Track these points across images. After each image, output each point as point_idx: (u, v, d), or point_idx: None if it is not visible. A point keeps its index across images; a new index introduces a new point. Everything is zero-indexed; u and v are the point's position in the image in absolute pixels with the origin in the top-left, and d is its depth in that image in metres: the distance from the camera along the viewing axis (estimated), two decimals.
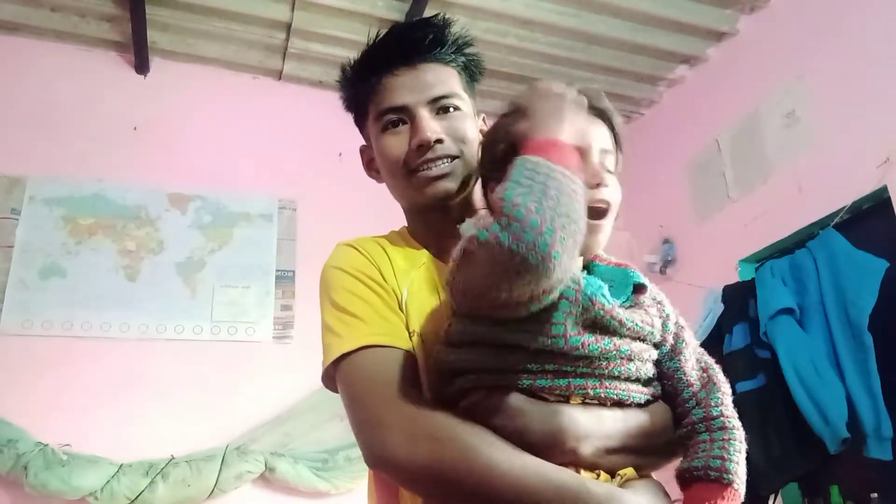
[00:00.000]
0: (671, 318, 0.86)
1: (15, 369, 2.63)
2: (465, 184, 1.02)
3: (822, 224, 2.59)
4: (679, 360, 0.85)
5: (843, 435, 2.24)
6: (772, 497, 2.52)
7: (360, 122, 1.11)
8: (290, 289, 3.08)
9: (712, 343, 2.68)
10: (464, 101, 1.06)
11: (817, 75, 2.73)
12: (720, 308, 2.75)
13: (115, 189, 3.01)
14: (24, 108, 2.99)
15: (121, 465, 2.54)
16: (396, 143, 1.02)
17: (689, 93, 3.52)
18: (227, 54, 3.24)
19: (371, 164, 1.11)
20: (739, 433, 0.83)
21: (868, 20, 2.55)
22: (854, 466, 2.38)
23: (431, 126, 1.00)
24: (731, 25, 3.16)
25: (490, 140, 0.93)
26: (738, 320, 2.64)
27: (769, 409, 2.47)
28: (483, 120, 1.14)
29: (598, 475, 0.78)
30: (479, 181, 1.01)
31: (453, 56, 1.07)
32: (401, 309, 0.95)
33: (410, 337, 0.92)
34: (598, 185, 0.82)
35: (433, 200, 1.02)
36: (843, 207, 2.49)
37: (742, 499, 0.81)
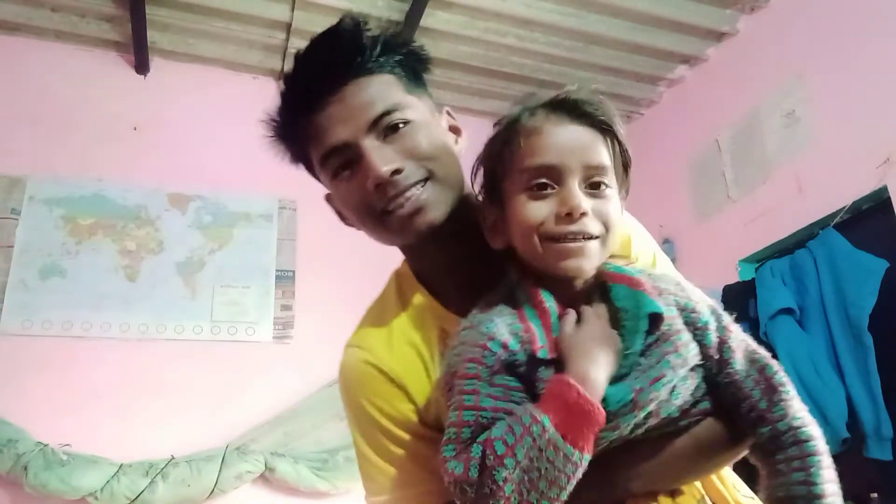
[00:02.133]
0: (710, 326, 0.77)
1: (15, 369, 2.63)
2: (447, 205, 0.85)
3: (822, 224, 2.59)
4: (728, 372, 0.76)
5: (843, 435, 2.24)
6: None
7: (313, 172, 0.94)
8: (290, 289, 3.08)
9: None
10: (413, 109, 0.87)
11: (817, 75, 2.73)
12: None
13: (115, 189, 3.01)
14: (24, 108, 2.99)
15: (121, 465, 2.54)
16: (351, 190, 0.86)
17: (689, 93, 3.52)
18: (227, 54, 3.24)
19: (342, 215, 0.95)
20: (818, 443, 0.74)
21: (868, 20, 2.55)
22: (854, 466, 2.38)
23: (383, 156, 0.83)
24: (731, 25, 3.16)
25: (481, 164, 0.83)
26: (738, 320, 2.62)
27: None
28: (448, 114, 0.98)
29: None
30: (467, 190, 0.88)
31: (382, 60, 0.88)
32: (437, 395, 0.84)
33: None
34: (569, 215, 0.73)
35: (416, 239, 0.86)
36: (843, 207, 2.49)
37: None
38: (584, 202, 0.74)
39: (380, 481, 0.88)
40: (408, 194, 0.84)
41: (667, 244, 3.41)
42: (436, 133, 0.89)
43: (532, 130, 0.77)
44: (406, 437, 0.85)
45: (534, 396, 0.71)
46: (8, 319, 2.70)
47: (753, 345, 0.80)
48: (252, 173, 3.20)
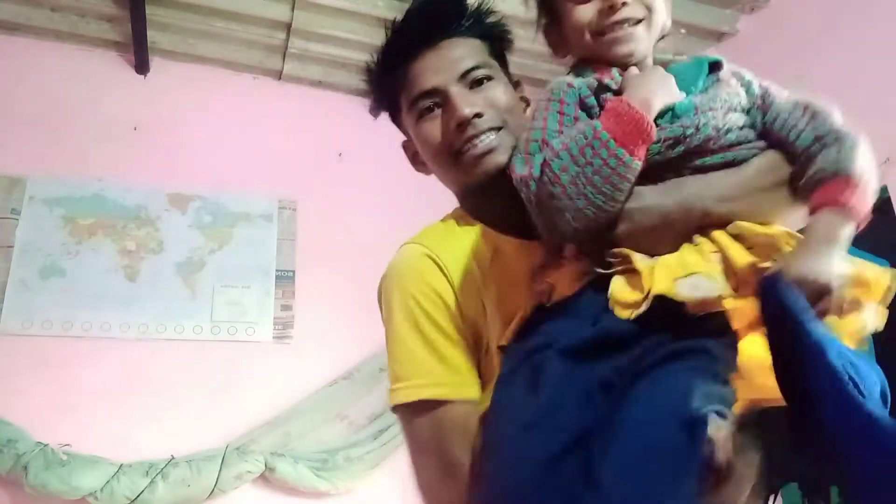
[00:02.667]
0: (753, 82, 0.88)
1: (15, 369, 2.63)
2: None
3: None
4: (774, 111, 0.85)
5: None
6: (772, 497, 2.52)
7: (397, 118, 1.07)
8: (290, 289, 3.08)
9: None
10: (496, 70, 1.02)
11: (817, 75, 2.72)
12: None
13: (115, 189, 3.01)
14: (24, 108, 2.99)
15: (121, 465, 2.54)
16: (434, 128, 0.98)
17: None
18: (227, 54, 3.24)
19: (416, 158, 1.06)
20: (854, 136, 0.84)
21: (868, 20, 2.55)
22: None
23: (467, 101, 0.96)
24: (731, 25, 3.16)
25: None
26: None
27: (769, 408, 2.47)
28: (521, 86, 1.09)
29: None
30: None
31: (475, 28, 1.03)
32: (483, 312, 0.91)
33: (488, 354, 0.90)
34: (611, 9, 0.83)
35: (485, 179, 0.96)
36: None
37: (868, 188, 0.81)
38: None
39: (409, 366, 0.91)
40: (483, 137, 0.95)
41: None
42: (511, 94, 1.02)
43: None
44: (445, 324, 0.90)
45: None
46: (8, 319, 2.70)
47: (797, 95, 0.87)
48: (252, 173, 3.21)
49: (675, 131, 0.79)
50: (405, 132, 1.07)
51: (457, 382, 0.89)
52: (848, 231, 0.78)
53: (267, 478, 2.73)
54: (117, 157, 3.04)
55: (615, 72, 0.85)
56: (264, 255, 3.12)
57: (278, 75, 3.39)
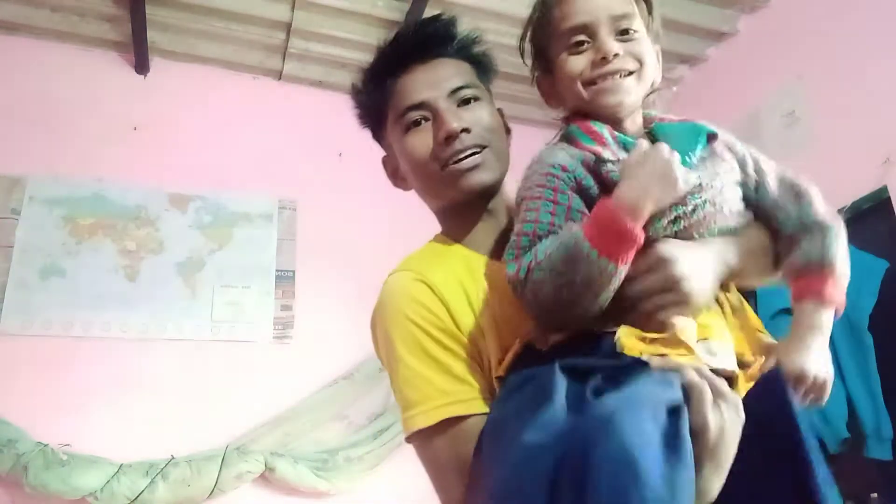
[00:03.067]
0: (746, 156, 0.91)
1: (15, 369, 2.63)
2: (497, 173, 1.00)
3: None
4: (765, 188, 0.90)
5: (843, 435, 2.24)
6: None
7: (379, 132, 1.08)
8: (290, 289, 3.08)
9: None
10: (483, 92, 1.04)
11: (817, 75, 2.73)
12: None
13: (115, 189, 3.01)
14: (24, 108, 2.99)
15: (121, 465, 2.54)
16: (421, 141, 0.99)
17: (689, 93, 3.52)
18: (227, 54, 3.24)
19: (396, 173, 1.07)
20: (836, 226, 0.89)
21: (867, 20, 2.55)
22: (854, 466, 2.38)
23: (456, 116, 0.98)
24: (731, 25, 3.16)
25: (527, 42, 0.98)
26: None
27: None
28: (501, 113, 1.10)
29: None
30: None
31: (465, 52, 1.06)
32: (481, 331, 0.91)
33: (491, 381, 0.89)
34: (603, 60, 0.86)
35: (468, 194, 0.98)
36: (843, 207, 2.49)
37: (845, 278, 0.87)
38: (615, 46, 0.86)
39: (424, 390, 0.89)
40: (469, 152, 0.98)
41: None
42: (496, 117, 1.05)
43: (560, 0, 0.89)
44: (448, 342, 0.90)
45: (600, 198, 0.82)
46: (8, 319, 2.70)
47: (782, 167, 0.93)
48: (252, 173, 3.21)
49: (677, 209, 0.82)
50: (386, 147, 1.08)
51: (472, 397, 0.88)
52: (830, 319, 0.90)
53: (267, 478, 2.73)
54: (117, 157, 3.04)
55: (605, 132, 0.86)
56: (264, 255, 3.12)
57: (278, 75, 3.39)
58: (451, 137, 0.96)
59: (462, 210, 1.01)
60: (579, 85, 0.87)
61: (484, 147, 0.99)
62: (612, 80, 0.86)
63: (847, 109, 2.58)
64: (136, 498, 2.49)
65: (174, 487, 2.55)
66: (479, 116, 1.00)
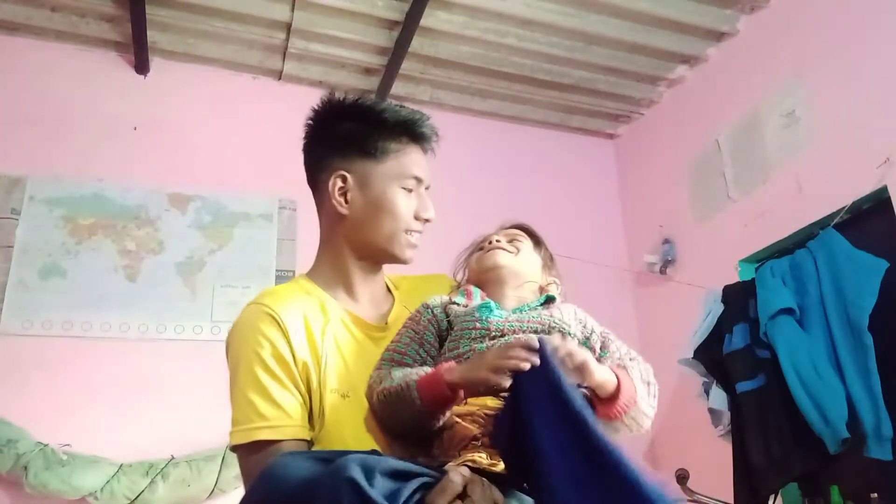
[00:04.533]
0: (595, 329, 1.07)
1: (15, 369, 2.63)
2: None
3: (822, 224, 2.59)
4: (607, 352, 1.05)
5: (843, 435, 2.24)
6: (772, 497, 2.52)
7: (349, 153, 1.18)
8: None
9: (712, 343, 2.68)
10: None
11: (817, 75, 2.73)
12: (720, 308, 2.74)
13: (115, 189, 3.01)
14: (24, 108, 2.99)
15: (121, 465, 2.54)
16: (408, 204, 1.18)
17: (689, 93, 3.52)
18: (227, 54, 3.24)
19: (344, 193, 1.17)
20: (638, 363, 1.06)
21: (868, 20, 2.55)
22: (854, 466, 2.38)
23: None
24: (731, 25, 3.16)
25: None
26: (738, 320, 2.64)
27: (769, 409, 2.47)
28: None
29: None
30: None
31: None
32: (320, 372, 1.05)
33: (321, 396, 1.04)
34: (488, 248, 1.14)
35: (400, 261, 1.19)
36: (843, 207, 2.49)
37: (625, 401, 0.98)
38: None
39: (246, 411, 1.02)
40: (418, 235, 1.20)
41: (667, 244, 3.42)
42: None
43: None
44: (280, 372, 1.03)
45: (448, 333, 1.04)
46: (8, 319, 2.70)
47: (636, 356, 1.07)
48: (252, 173, 3.21)
49: (480, 324, 1.02)
50: (346, 169, 1.17)
51: (286, 424, 1.01)
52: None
53: None
54: (117, 157, 3.04)
55: (476, 291, 1.09)
56: (264, 255, 3.12)
57: (278, 75, 3.39)
58: (428, 220, 1.21)
59: (363, 262, 1.20)
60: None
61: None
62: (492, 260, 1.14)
63: (847, 109, 2.58)
64: (136, 498, 2.49)
65: (174, 487, 2.55)
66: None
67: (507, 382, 0.85)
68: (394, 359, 1.03)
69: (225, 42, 3.18)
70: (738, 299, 2.71)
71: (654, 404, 1.03)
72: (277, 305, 1.09)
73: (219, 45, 3.19)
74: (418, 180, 1.19)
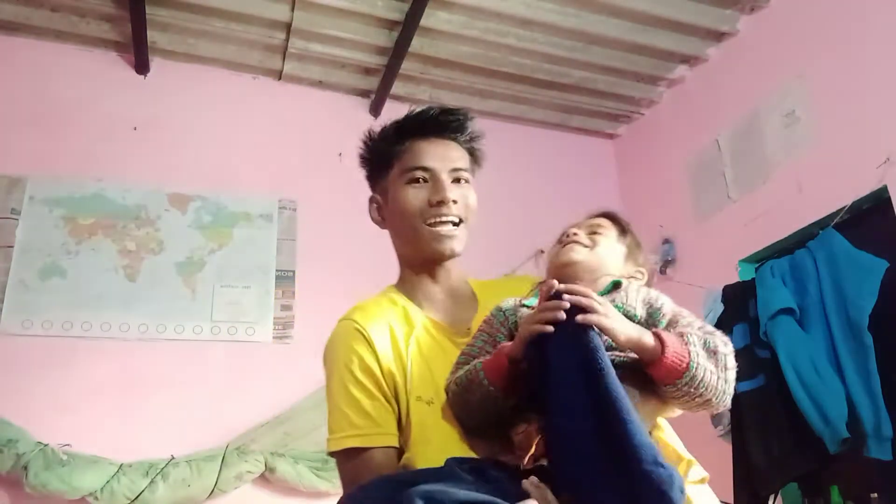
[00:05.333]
0: (664, 307, 1.02)
1: (15, 369, 2.63)
2: (463, 246, 1.20)
3: (822, 224, 2.59)
4: (678, 326, 1.00)
5: (843, 435, 2.24)
6: (772, 497, 2.52)
7: (377, 175, 1.25)
8: (290, 289, 3.08)
9: None
10: (471, 179, 1.24)
11: (817, 75, 2.73)
12: (720, 308, 2.75)
13: (115, 189, 3.01)
14: (24, 108, 2.99)
15: (121, 465, 2.54)
16: (418, 196, 1.18)
17: (689, 93, 3.52)
18: (227, 54, 3.24)
19: (380, 211, 1.25)
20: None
21: (868, 20, 2.55)
22: (854, 466, 2.38)
23: (450, 188, 1.18)
24: (731, 25, 3.16)
25: None
26: (738, 320, 2.64)
27: (769, 409, 2.47)
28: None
29: None
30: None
31: (468, 143, 1.26)
32: (405, 380, 1.10)
33: (408, 404, 1.09)
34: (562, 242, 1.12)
35: (437, 254, 1.18)
36: (843, 207, 2.49)
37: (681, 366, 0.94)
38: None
39: (339, 421, 1.09)
40: (449, 221, 1.17)
41: (667, 244, 3.42)
42: (475, 201, 1.23)
43: None
44: (368, 384, 1.10)
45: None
46: (8, 319, 2.70)
47: (710, 329, 1.01)
48: (252, 173, 3.21)
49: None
50: (378, 190, 1.26)
51: (375, 433, 1.07)
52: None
53: (267, 478, 2.73)
54: (117, 157, 3.04)
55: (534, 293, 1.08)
56: (264, 255, 3.12)
57: (278, 75, 3.39)
58: (442, 203, 1.16)
59: (422, 267, 1.22)
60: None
61: (461, 222, 1.19)
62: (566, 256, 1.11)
63: (847, 109, 2.58)
64: (136, 498, 2.49)
65: (174, 487, 2.55)
66: (465, 195, 1.20)
67: (547, 329, 0.88)
68: (467, 362, 1.04)
69: (225, 42, 3.18)
70: (738, 299, 2.71)
71: (726, 377, 0.95)
72: (365, 321, 1.15)
73: (219, 45, 3.19)
74: (425, 169, 1.19)
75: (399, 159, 1.21)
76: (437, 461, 1.00)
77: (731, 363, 0.97)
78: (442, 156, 1.20)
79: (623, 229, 1.18)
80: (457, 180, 1.20)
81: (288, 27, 3.07)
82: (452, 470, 0.89)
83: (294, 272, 3.11)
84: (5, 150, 2.91)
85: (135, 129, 3.11)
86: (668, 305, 1.03)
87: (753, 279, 2.74)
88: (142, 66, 3.18)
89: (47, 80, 3.06)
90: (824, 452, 2.31)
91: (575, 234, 1.11)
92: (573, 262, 1.09)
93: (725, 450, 2.63)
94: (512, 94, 3.59)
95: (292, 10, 2.97)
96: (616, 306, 0.97)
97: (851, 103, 2.56)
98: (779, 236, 2.79)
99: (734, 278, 2.89)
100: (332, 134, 3.26)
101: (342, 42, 3.14)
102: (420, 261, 1.21)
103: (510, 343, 0.96)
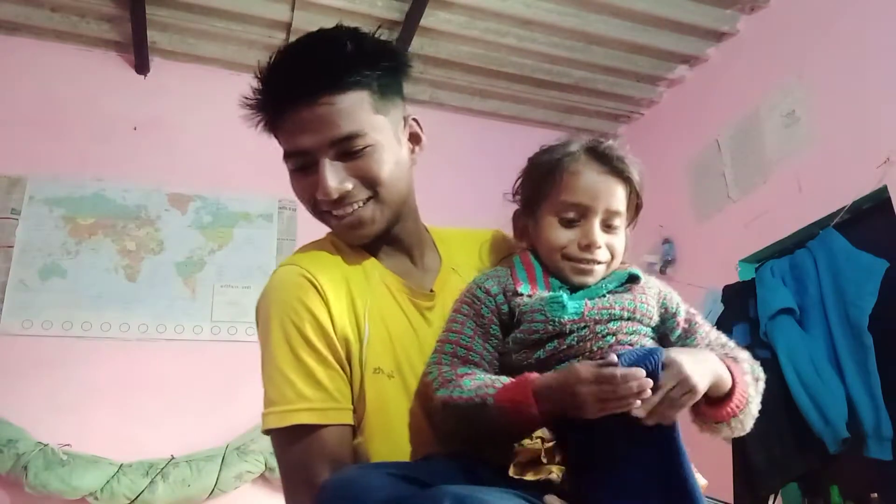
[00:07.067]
0: (680, 306, 0.98)
1: (15, 369, 2.63)
2: (382, 223, 0.98)
3: (822, 224, 2.59)
4: (695, 338, 0.98)
5: (843, 435, 2.24)
6: (772, 497, 2.52)
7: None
8: None
9: None
10: (377, 131, 0.94)
11: (817, 75, 2.73)
12: (720, 308, 2.75)
13: (115, 189, 3.01)
14: (24, 108, 2.99)
15: (121, 465, 2.54)
16: (305, 188, 0.97)
17: (689, 93, 3.52)
18: (227, 54, 3.24)
19: None
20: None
21: (867, 20, 2.55)
22: (854, 466, 2.38)
23: (334, 175, 0.92)
24: (731, 25, 3.16)
25: (522, 181, 1.03)
26: (738, 320, 2.64)
27: (769, 409, 2.46)
28: (414, 122, 1.04)
29: None
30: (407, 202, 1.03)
31: (359, 76, 0.92)
32: (360, 347, 0.92)
33: (362, 377, 0.92)
34: (587, 248, 0.93)
35: (350, 244, 1.00)
36: (843, 207, 2.49)
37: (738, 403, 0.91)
38: (601, 237, 0.94)
39: (283, 390, 0.89)
40: (349, 209, 0.95)
41: (667, 244, 3.42)
42: (390, 156, 0.96)
43: (573, 173, 0.95)
44: (320, 346, 0.90)
45: (511, 326, 0.92)
46: (8, 319, 2.70)
47: (729, 344, 1.00)
48: (252, 173, 3.21)
49: (551, 327, 0.89)
50: None
51: (329, 408, 0.89)
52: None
53: (267, 478, 2.73)
54: (117, 157, 3.04)
55: (539, 272, 0.95)
56: (264, 255, 3.12)
57: None
58: (326, 201, 0.95)
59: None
60: (558, 255, 0.95)
61: (370, 198, 0.96)
62: (589, 265, 0.94)
63: (847, 109, 2.57)
64: (136, 498, 2.49)
65: (174, 487, 2.55)
66: (365, 169, 0.94)
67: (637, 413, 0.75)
68: (458, 353, 0.90)
69: (225, 42, 3.18)
70: (738, 299, 2.71)
71: (759, 403, 0.93)
72: (316, 270, 0.95)
73: (219, 45, 3.19)
74: (299, 154, 0.94)
75: (278, 136, 1.00)
76: (399, 446, 0.90)
77: (763, 389, 0.96)
78: (317, 127, 0.92)
79: (639, 203, 1.03)
80: (350, 153, 0.94)
81: (288, 27, 3.07)
82: (471, 471, 0.82)
83: None
84: (5, 150, 2.91)
85: (135, 129, 3.11)
86: (682, 309, 0.98)
87: (753, 279, 2.74)
88: (142, 66, 3.17)
89: (47, 80, 3.06)
90: (824, 452, 2.31)
91: (599, 247, 0.94)
92: (588, 284, 0.96)
93: (725, 450, 2.63)
94: (512, 94, 3.59)
95: (292, 10, 2.97)
96: (639, 306, 0.92)
97: (851, 103, 2.56)
98: (779, 236, 2.79)
99: (734, 278, 2.89)
100: None
101: None
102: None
103: (540, 382, 0.81)
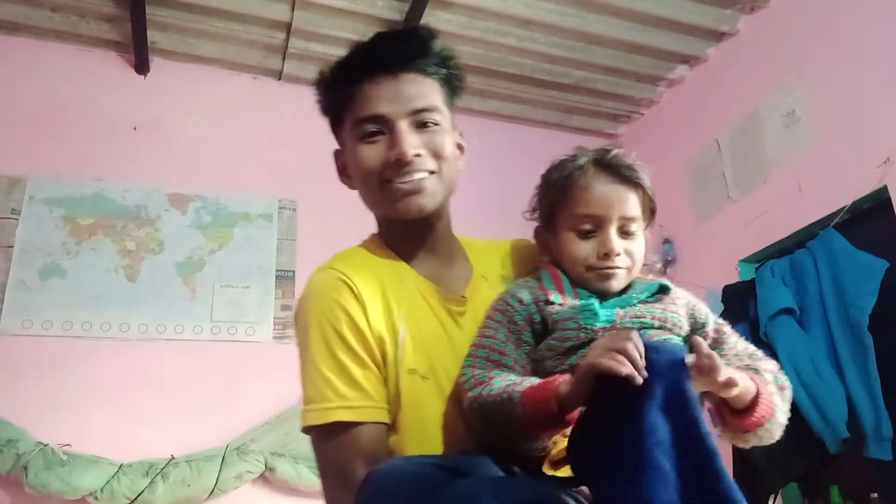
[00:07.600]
0: (709, 317, 1.00)
1: (15, 369, 2.63)
2: (439, 200, 1.02)
3: (822, 224, 2.59)
4: (723, 349, 0.98)
5: (843, 435, 2.24)
6: (772, 497, 2.52)
7: (336, 127, 1.09)
8: (290, 289, 3.08)
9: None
10: (443, 116, 1.03)
11: (817, 75, 2.73)
12: (720, 308, 2.75)
13: (115, 189, 3.01)
14: (24, 108, 2.99)
15: (121, 465, 2.54)
16: (372, 154, 0.99)
17: (689, 93, 3.52)
18: (227, 54, 3.24)
19: (345, 170, 1.09)
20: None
21: (867, 20, 2.55)
22: (854, 466, 2.38)
23: (410, 140, 0.98)
24: (731, 25, 3.16)
25: (538, 197, 1.06)
26: (738, 320, 2.64)
27: None
28: (460, 135, 1.10)
29: None
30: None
31: (436, 68, 1.03)
32: (395, 348, 0.95)
33: (397, 377, 0.94)
34: (606, 256, 0.96)
35: (404, 216, 1.01)
36: (843, 207, 2.49)
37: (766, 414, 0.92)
38: (618, 244, 0.97)
39: (322, 388, 0.93)
40: (415, 175, 0.98)
41: (667, 244, 3.41)
42: (450, 142, 1.04)
43: (583, 187, 0.99)
44: (357, 347, 0.94)
45: (543, 333, 0.94)
46: (8, 319, 2.70)
47: (757, 353, 1.00)
48: (252, 173, 3.21)
49: (583, 334, 0.91)
50: (340, 143, 1.09)
51: (366, 406, 0.92)
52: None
53: (267, 478, 2.73)
54: (117, 157, 3.04)
55: (566, 282, 0.98)
56: (264, 255, 3.12)
57: (278, 75, 3.39)
58: (400, 161, 0.97)
59: (402, 224, 1.03)
60: (581, 267, 0.98)
61: (433, 172, 1.00)
62: (611, 272, 0.97)
63: (847, 109, 2.57)
64: (136, 498, 2.49)
65: (174, 487, 2.55)
66: (434, 142, 1.00)
67: (625, 370, 0.73)
68: (490, 357, 0.92)
69: (225, 42, 3.18)
70: (738, 299, 2.71)
71: (787, 411, 0.94)
72: (352, 273, 0.98)
73: (219, 45, 3.19)
74: (374, 119, 0.99)
75: (350, 109, 1.02)
76: (433, 445, 0.92)
77: (790, 397, 0.96)
78: (397, 97, 0.99)
79: (653, 208, 1.05)
80: (423, 124, 1.00)
81: (288, 27, 3.07)
82: (486, 462, 0.83)
83: (294, 272, 3.11)
84: (5, 150, 2.91)
85: (135, 129, 3.11)
86: (711, 319, 0.99)
87: (753, 279, 2.74)
88: (142, 66, 3.18)
89: (47, 80, 3.06)
90: (824, 452, 2.31)
91: (618, 254, 0.97)
92: (614, 291, 0.98)
93: (725, 450, 2.63)
94: (512, 94, 3.59)
95: (292, 10, 2.97)
96: (670, 316, 0.94)
97: (851, 103, 2.56)
98: (779, 236, 2.79)
99: (734, 278, 2.89)
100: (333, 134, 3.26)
101: (342, 42, 3.13)
102: (391, 223, 1.06)
103: (562, 378, 0.82)
